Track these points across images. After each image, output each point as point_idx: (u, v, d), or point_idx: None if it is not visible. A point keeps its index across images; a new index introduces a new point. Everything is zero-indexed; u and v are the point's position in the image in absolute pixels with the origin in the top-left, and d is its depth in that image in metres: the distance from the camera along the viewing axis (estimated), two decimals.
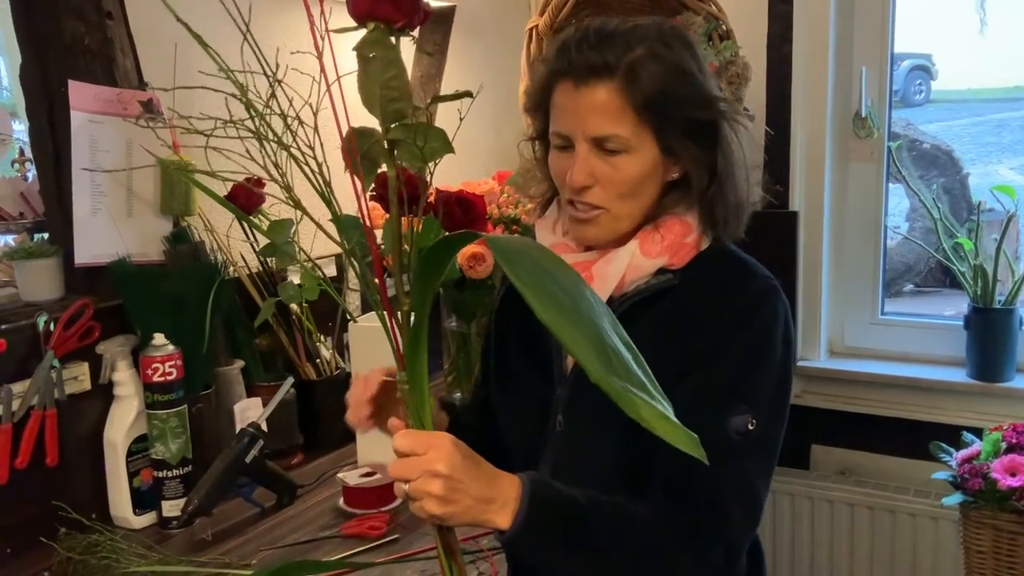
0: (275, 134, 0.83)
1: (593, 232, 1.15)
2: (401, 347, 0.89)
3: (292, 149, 0.83)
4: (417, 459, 0.93)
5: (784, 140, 2.22)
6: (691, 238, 1.15)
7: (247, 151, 0.84)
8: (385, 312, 0.88)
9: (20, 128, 1.75)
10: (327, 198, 0.85)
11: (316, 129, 0.83)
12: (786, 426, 1.15)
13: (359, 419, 1.19)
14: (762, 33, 2.21)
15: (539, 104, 1.18)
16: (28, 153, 1.67)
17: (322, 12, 0.77)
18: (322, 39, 0.78)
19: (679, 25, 1.18)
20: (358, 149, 0.82)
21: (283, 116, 0.83)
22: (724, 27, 1.97)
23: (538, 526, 0.99)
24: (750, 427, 1.08)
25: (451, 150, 0.83)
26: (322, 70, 0.78)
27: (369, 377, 1.19)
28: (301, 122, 0.83)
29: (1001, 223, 2.11)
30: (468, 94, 0.83)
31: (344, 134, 0.82)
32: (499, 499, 0.98)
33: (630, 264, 1.13)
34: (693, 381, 1.09)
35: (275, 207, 1.84)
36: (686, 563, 1.07)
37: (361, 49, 0.79)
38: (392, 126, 0.81)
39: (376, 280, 0.89)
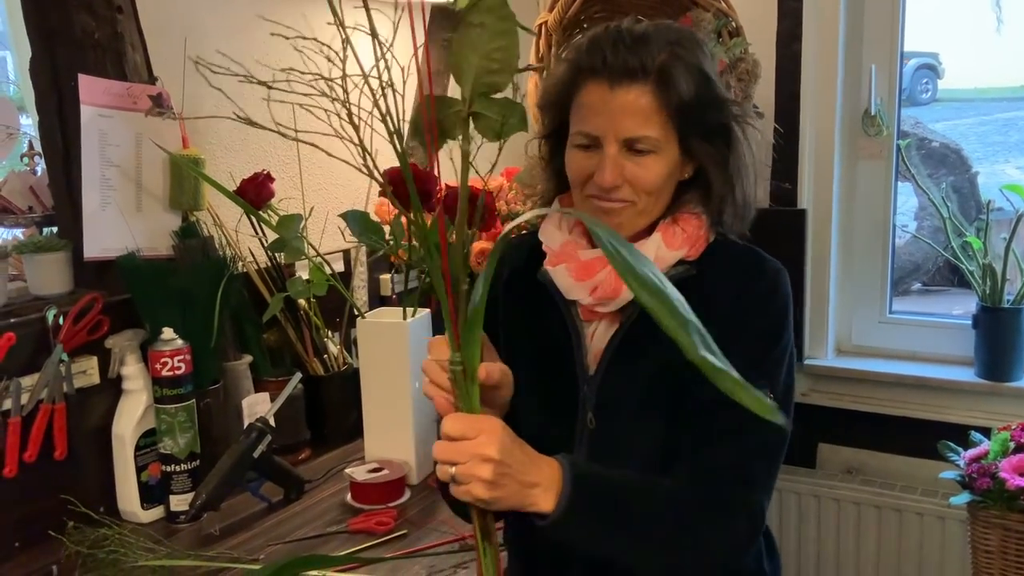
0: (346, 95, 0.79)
1: (616, 223, 1.16)
2: (458, 328, 0.89)
3: (362, 112, 0.80)
4: (468, 443, 0.93)
5: (793, 138, 2.21)
6: (703, 231, 1.19)
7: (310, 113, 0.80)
8: (446, 292, 0.86)
9: (27, 122, 1.75)
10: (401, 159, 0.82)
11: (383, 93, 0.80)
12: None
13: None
14: (771, 30, 2.20)
15: (557, 102, 1.18)
16: (37, 147, 1.67)
17: None
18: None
19: (689, 26, 1.18)
20: (433, 116, 0.81)
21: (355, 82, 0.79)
22: (734, 24, 1.96)
23: (581, 509, 1.00)
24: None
25: (526, 127, 0.83)
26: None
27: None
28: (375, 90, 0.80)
29: (1010, 222, 2.09)
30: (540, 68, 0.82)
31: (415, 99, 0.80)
32: (543, 483, 0.99)
33: (656, 256, 1.15)
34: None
35: (284, 202, 1.85)
36: (716, 535, 1.10)
37: (471, 16, 0.78)
38: (477, 99, 0.80)
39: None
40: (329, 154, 0.85)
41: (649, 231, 1.18)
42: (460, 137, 0.84)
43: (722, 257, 1.19)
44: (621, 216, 1.16)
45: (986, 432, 1.89)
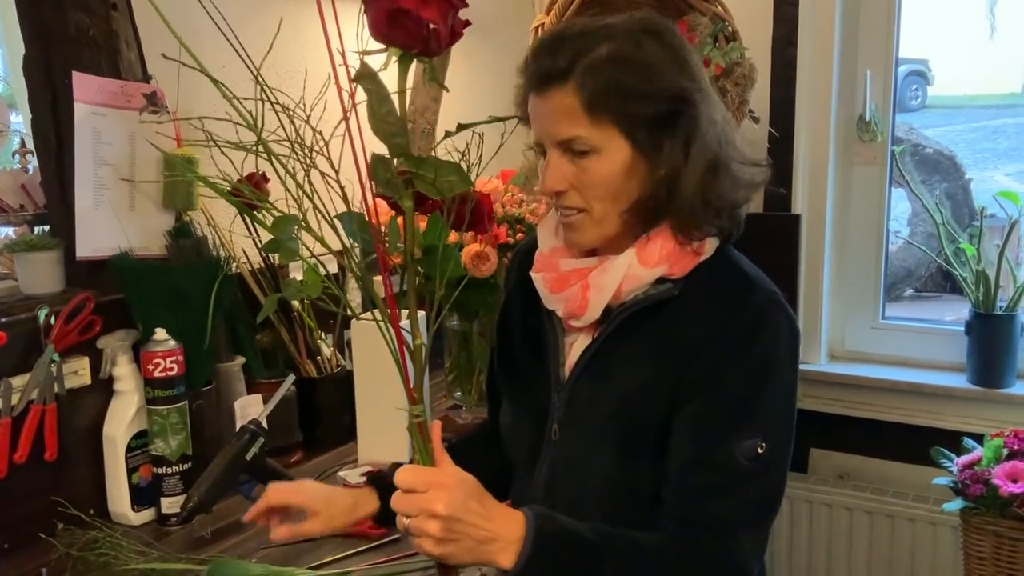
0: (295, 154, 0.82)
1: (577, 236, 1.13)
2: (412, 380, 0.90)
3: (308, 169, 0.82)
4: (417, 496, 0.92)
5: (788, 143, 2.22)
6: (692, 246, 1.11)
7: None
8: (398, 347, 0.89)
9: (17, 120, 1.74)
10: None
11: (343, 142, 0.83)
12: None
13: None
14: (767, 35, 2.21)
15: (524, 116, 1.16)
16: (29, 144, 1.66)
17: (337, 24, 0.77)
18: (340, 56, 0.77)
19: (657, 18, 1.12)
20: (378, 177, 0.82)
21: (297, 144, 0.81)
22: (730, 28, 1.96)
23: (544, 565, 0.97)
24: (759, 451, 1.05)
25: (468, 184, 0.82)
26: (338, 88, 0.77)
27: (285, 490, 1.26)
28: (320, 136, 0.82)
29: (1003, 229, 2.11)
30: (498, 118, 0.83)
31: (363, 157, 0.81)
32: (502, 539, 0.96)
33: (627, 274, 1.10)
34: (698, 404, 1.07)
35: (279, 203, 1.83)
36: None
37: (357, 81, 0.78)
38: (402, 159, 0.81)
39: (390, 319, 0.89)
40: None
41: (635, 240, 1.12)
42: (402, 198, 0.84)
43: (711, 278, 1.11)
44: (579, 230, 1.12)
45: (978, 438, 1.89)
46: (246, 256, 1.83)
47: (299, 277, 1.80)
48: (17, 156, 1.69)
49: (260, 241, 1.79)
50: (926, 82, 3.28)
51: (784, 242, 2.20)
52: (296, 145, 0.83)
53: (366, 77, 0.78)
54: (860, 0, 2.20)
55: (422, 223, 1.78)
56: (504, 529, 0.96)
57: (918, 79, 3.30)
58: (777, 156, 2.20)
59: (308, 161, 0.83)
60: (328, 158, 0.84)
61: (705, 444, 1.07)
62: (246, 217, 1.75)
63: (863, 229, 2.29)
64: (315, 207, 0.86)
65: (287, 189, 0.84)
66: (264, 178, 1.75)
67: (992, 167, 3.52)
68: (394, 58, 0.80)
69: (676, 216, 1.09)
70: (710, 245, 1.13)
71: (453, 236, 1.31)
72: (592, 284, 1.12)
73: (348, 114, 0.80)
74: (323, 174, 0.84)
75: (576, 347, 1.18)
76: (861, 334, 2.33)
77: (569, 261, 1.16)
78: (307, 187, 0.84)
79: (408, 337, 0.89)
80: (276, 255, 1.76)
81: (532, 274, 1.19)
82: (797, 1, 2.17)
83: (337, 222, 0.88)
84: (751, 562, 1.08)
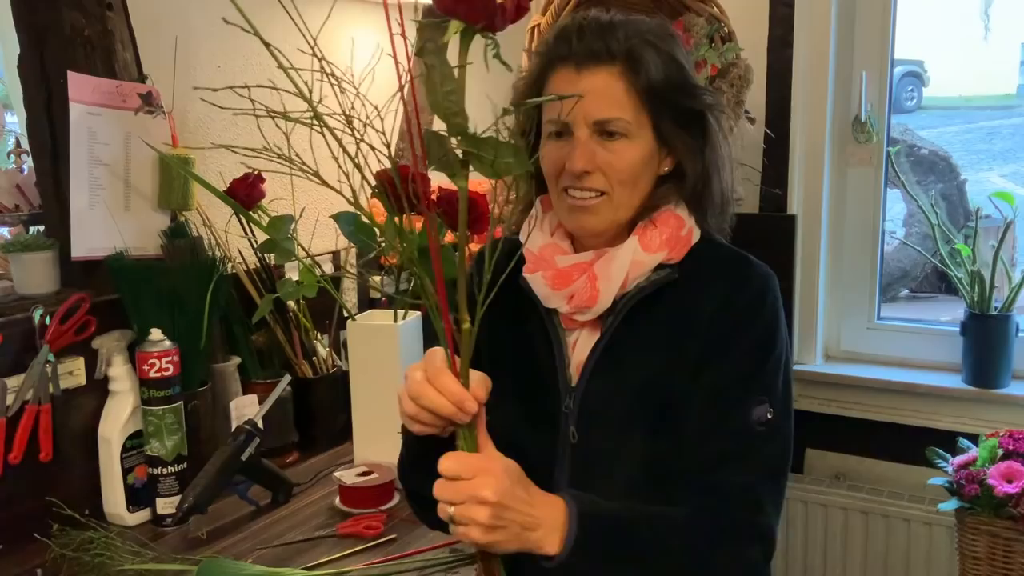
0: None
1: (593, 221, 1.12)
2: (459, 366, 0.88)
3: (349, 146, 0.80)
4: (464, 483, 0.90)
5: (783, 144, 2.22)
6: (685, 231, 1.15)
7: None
8: (446, 331, 0.86)
9: (12, 120, 1.74)
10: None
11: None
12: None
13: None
14: (763, 36, 2.21)
15: (529, 96, 1.15)
16: (24, 144, 1.66)
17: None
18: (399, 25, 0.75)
19: (671, 25, 1.17)
20: (433, 154, 0.80)
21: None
22: (726, 29, 1.96)
23: (588, 549, 0.97)
24: (769, 416, 1.09)
25: (525, 167, 0.80)
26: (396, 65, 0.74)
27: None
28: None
29: (998, 229, 2.11)
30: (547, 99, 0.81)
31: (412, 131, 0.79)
32: (546, 524, 0.95)
33: (633, 260, 1.12)
34: (709, 376, 1.10)
35: (274, 203, 1.83)
36: (729, 563, 1.07)
37: (423, 57, 0.76)
38: (460, 138, 0.79)
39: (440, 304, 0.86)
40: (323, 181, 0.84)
41: (628, 234, 1.15)
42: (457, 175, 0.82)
43: (707, 261, 1.15)
44: (596, 213, 1.12)
45: (973, 438, 1.90)
46: (242, 256, 1.83)
47: (295, 277, 1.80)
48: (12, 156, 1.69)
49: (256, 241, 1.79)
50: (922, 83, 3.29)
51: (780, 243, 2.19)
52: (347, 118, 0.80)
53: (431, 52, 0.76)
54: (856, 1, 2.20)
55: (417, 224, 1.79)
56: (547, 515, 0.96)
57: (914, 80, 3.30)
58: (773, 157, 2.21)
59: (360, 134, 0.80)
60: (381, 132, 0.82)
61: (720, 413, 1.09)
62: (241, 218, 1.75)
63: (858, 230, 2.29)
64: (365, 180, 0.83)
65: (339, 164, 0.81)
66: (260, 178, 1.76)
67: (988, 168, 3.53)
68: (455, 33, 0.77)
69: (684, 202, 1.15)
70: (696, 232, 1.17)
71: (450, 236, 1.30)
72: (600, 274, 1.12)
73: (403, 88, 0.78)
74: (372, 147, 0.82)
75: (580, 345, 1.17)
76: (857, 334, 2.33)
77: (566, 257, 1.15)
78: (359, 160, 0.81)
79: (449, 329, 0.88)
80: (272, 255, 1.77)
81: (527, 275, 1.16)
82: (793, 2, 2.17)
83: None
84: (774, 524, 1.10)
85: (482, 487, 0.90)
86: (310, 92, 0.79)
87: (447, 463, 0.91)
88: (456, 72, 0.78)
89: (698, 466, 1.08)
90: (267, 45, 0.76)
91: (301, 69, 0.79)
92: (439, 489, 0.91)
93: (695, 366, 1.10)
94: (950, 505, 1.84)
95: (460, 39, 0.78)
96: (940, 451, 1.92)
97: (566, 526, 0.96)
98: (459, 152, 0.81)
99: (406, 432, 1.04)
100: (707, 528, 1.06)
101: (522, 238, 1.19)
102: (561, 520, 0.97)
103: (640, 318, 1.13)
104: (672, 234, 1.13)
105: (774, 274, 1.16)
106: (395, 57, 0.77)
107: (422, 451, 1.03)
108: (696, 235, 1.16)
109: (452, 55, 0.78)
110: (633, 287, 1.13)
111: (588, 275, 1.12)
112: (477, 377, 0.94)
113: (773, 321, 1.13)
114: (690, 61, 1.15)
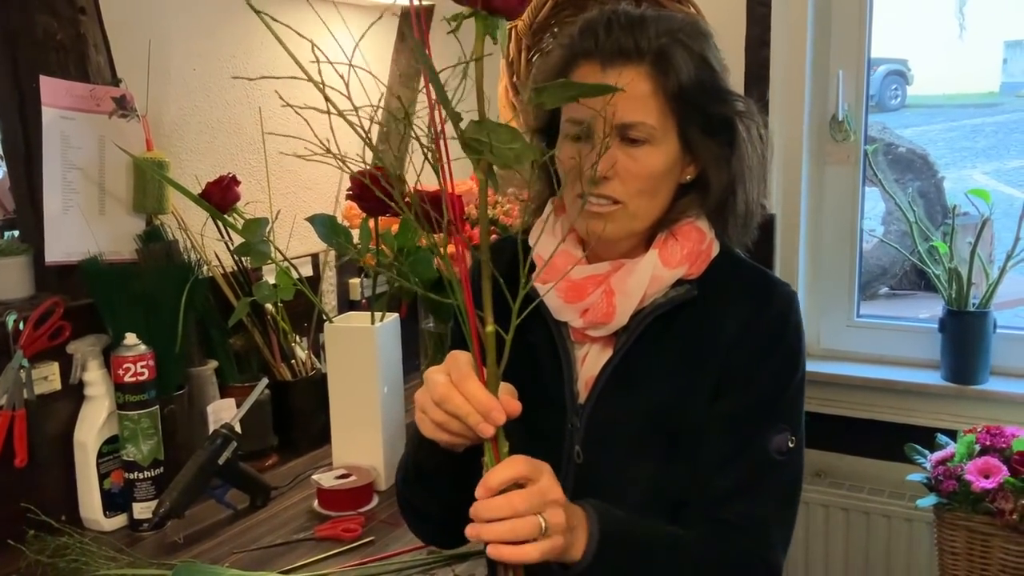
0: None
1: (608, 228, 1.05)
2: (487, 374, 0.84)
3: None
4: (536, 487, 0.84)
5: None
6: (705, 245, 1.09)
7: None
8: (473, 340, 0.83)
9: None
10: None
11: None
12: None
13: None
14: (740, 36, 2.22)
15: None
16: None
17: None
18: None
19: (704, 23, 1.10)
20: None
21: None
22: None
23: (608, 558, 0.93)
24: (790, 444, 1.05)
25: (535, 156, 0.77)
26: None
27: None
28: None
29: (976, 227, 2.12)
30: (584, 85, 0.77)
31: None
32: (579, 528, 0.91)
33: (652, 276, 1.06)
34: (729, 403, 1.06)
35: (250, 206, 1.83)
36: None
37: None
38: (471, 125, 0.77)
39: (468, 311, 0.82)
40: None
41: (646, 245, 1.09)
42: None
43: (727, 277, 1.09)
44: (612, 219, 1.05)
45: (952, 435, 1.91)
46: (218, 259, 1.82)
47: (272, 280, 1.80)
48: None
49: (232, 244, 1.79)
50: (906, 82, 3.30)
51: (758, 241, 2.19)
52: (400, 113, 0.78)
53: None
54: (832, 1, 2.21)
55: (394, 226, 1.79)
56: (577, 519, 0.91)
57: (898, 79, 3.31)
58: None
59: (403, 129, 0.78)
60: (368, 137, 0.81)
61: (740, 442, 1.05)
62: (217, 221, 1.75)
63: (837, 228, 2.30)
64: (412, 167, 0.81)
65: (379, 158, 0.78)
66: (235, 181, 1.75)
67: (971, 165, 3.55)
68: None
69: (706, 214, 1.10)
70: (716, 245, 1.11)
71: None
72: (617, 289, 1.07)
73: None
74: (417, 137, 0.80)
75: (590, 361, 1.11)
76: (836, 332, 2.34)
77: (583, 268, 1.08)
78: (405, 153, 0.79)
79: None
80: (248, 258, 1.76)
81: (538, 285, 1.05)
82: (770, 2, 2.18)
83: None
84: (781, 560, 1.07)
85: (554, 488, 0.85)
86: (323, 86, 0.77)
87: (510, 468, 0.84)
88: (478, 63, 0.78)
89: (712, 496, 1.05)
90: (283, 43, 0.76)
91: (303, 72, 0.78)
92: (500, 506, 0.83)
93: (713, 391, 1.06)
94: (928, 501, 1.85)
95: (476, 26, 0.78)
96: (919, 447, 1.93)
97: (588, 532, 0.92)
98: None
99: (416, 441, 1.00)
100: (716, 560, 1.02)
101: (531, 241, 1.12)
102: (585, 525, 0.92)
103: (656, 336, 1.07)
104: (693, 248, 1.08)
105: (796, 296, 1.11)
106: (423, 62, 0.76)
107: (433, 465, 0.99)
108: (716, 249, 1.11)
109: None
110: (650, 303, 1.07)
111: (604, 289, 1.07)
112: (507, 388, 0.88)
113: (796, 344, 1.08)
114: (722, 63, 1.09)
